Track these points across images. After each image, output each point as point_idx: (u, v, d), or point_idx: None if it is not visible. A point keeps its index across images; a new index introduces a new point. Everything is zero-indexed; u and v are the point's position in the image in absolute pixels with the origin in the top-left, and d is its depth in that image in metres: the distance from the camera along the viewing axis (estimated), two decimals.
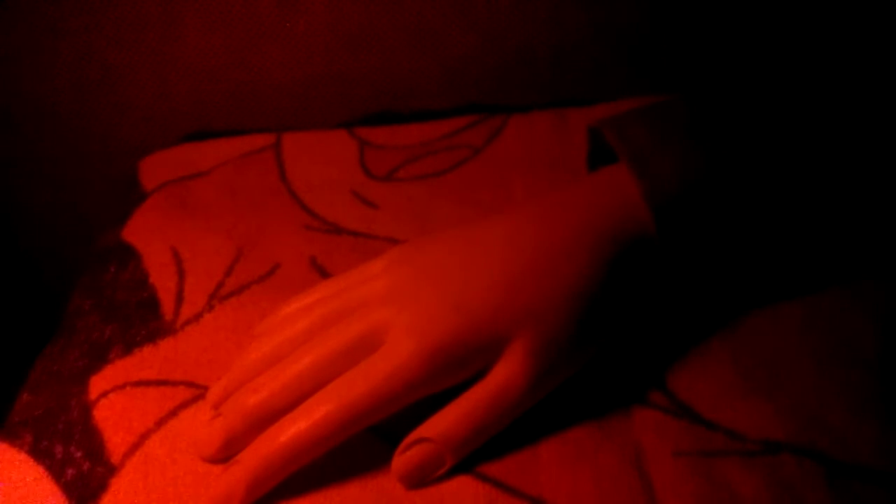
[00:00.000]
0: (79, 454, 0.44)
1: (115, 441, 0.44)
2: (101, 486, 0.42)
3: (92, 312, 0.53)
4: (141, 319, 0.52)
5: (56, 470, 0.43)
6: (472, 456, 0.41)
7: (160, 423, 0.45)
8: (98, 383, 0.48)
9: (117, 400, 0.47)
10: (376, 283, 0.45)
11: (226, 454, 0.41)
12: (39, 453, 0.44)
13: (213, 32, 0.78)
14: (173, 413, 0.45)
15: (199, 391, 0.46)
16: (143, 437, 0.44)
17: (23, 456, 0.44)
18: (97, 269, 0.57)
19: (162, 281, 0.55)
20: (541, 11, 0.78)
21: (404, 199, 0.60)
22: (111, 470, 0.43)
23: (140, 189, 0.64)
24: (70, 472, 0.43)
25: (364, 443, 0.43)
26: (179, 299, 0.53)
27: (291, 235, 0.58)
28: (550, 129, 0.65)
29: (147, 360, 0.49)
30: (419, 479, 0.40)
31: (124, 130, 0.84)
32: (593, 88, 0.78)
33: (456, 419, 0.40)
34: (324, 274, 0.54)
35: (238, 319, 0.51)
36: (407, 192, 0.61)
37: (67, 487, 0.42)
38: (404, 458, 0.40)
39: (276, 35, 0.78)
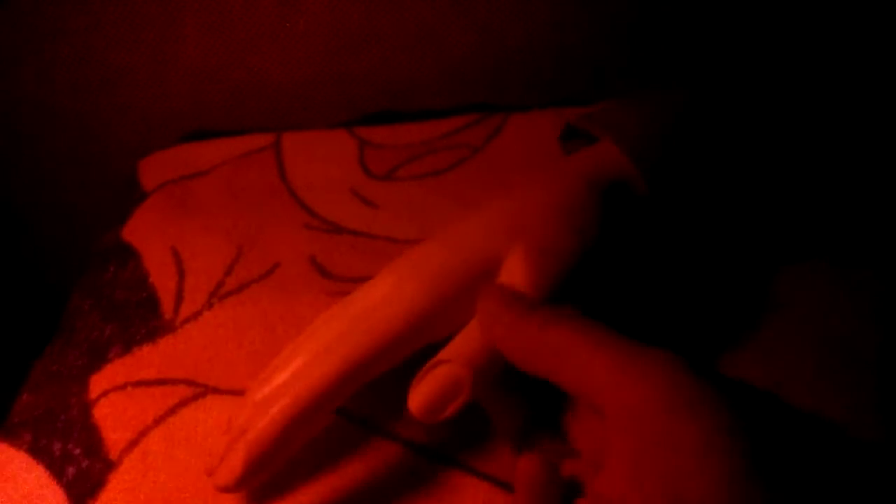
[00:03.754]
0: (77, 451, 0.44)
1: (114, 438, 0.44)
2: (100, 483, 0.42)
3: (91, 312, 0.53)
4: (140, 318, 0.52)
5: (55, 468, 0.43)
6: (470, 454, 0.41)
7: (159, 420, 0.45)
8: (98, 382, 0.48)
9: (117, 399, 0.47)
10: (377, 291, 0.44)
11: None
12: (38, 451, 0.44)
13: (213, 32, 0.78)
14: (172, 411, 0.45)
15: (198, 389, 0.46)
16: (142, 434, 0.44)
17: (22, 455, 0.44)
18: (97, 268, 0.57)
19: (162, 280, 0.55)
20: (541, 11, 0.78)
21: (404, 198, 0.60)
22: (109, 466, 0.43)
23: (140, 189, 0.64)
24: (69, 469, 0.43)
25: (363, 441, 0.43)
26: (179, 298, 0.53)
27: (291, 234, 0.58)
28: (550, 128, 0.65)
29: (146, 359, 0.49)
30: (437, 409, 0.37)
31: (124, 131, 0.84)
32: (593, 88, 0.78)
33: (470, 338, 0.39)
34: (324, 273, 0.54)
35: (238, 318, 0.51)
36: (407, 191, 0.61)
37: (66, 485, 0.42)
38: (421, 386, 0.38)
39: (276, 35, 0.78)
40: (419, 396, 0.37)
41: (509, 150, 0.64)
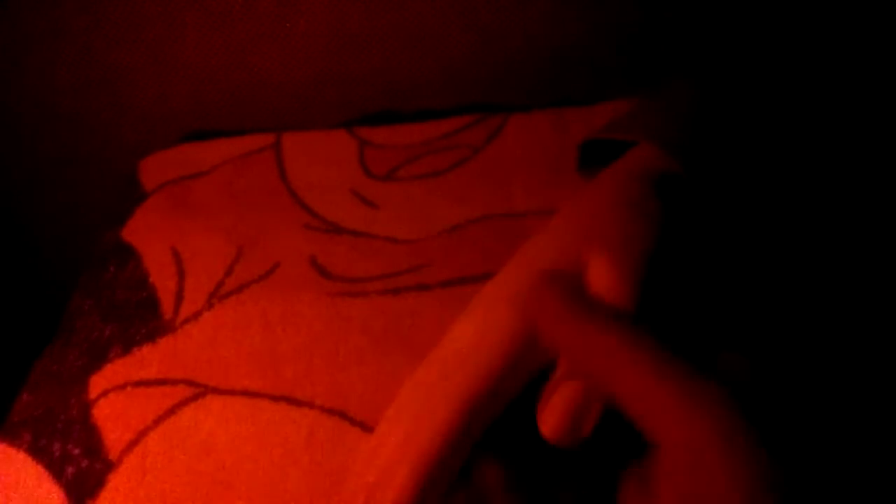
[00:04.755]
0: (77, 451, 0.44)
1: (114, 438, 0.44)
2: (100, 483, 0.42)
3: (92, 312, 0.53)
4: (140, 319, 0.52)
5: (55, 468, 0.43)
6: None
7: (159, 420, 0.45)
8: (98, 382, 0.48)
9: (117, 399, 0.47)
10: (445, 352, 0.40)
11: None
12: (38, 452, 0.44)
13: (213, 32, 0.78)
14: (172, 411, 0.45)
15: (198, 389, 0.46)
16: (142, 434, 0.44)
17: (22, 455, 0.44)
18: (97, 268, 0.57)
19: (162, 280, 0.55)
20: (541, 12, 0.78)
21: (404, 198, 0.60)
22: (109, 466, 0.43)
23: (140, 189, 0.64)
24: (69, 469, 0.43)
25: (363, 441, 0.43)
26: (179, 298, 0.53)
27: (291, 235, 0.58)
28: (550, 128, 0.65)
29: (146, 359, 0.49)
30: (573, 430, 0.35)
31: (124, 130, 0.84)
32: (593, 88, 0.78)
33: None
34: (324, 273, 0.54)
35: (238, 317, 0.51)
36: (407, 191, 0.61)
37: (66, 485, 0.42)
38: (549, 410, 0.35)
39: (276, 35, 0.78)
40: (552, 420, 0.35)
41: (509, 151, 0.64)
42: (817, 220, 0.46)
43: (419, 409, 0.37)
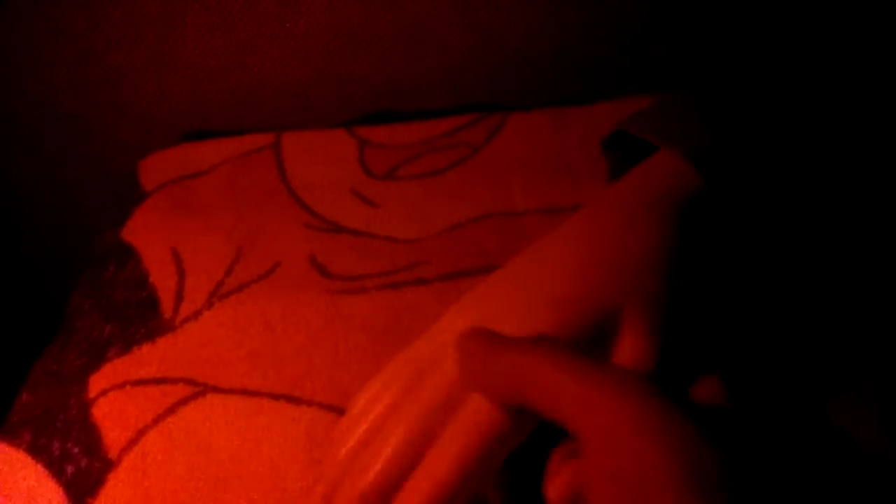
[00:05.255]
0: (76, 450, 0.44)
1: (113, 437, 0.44)
2: (99, 482, 0.42)
3: (91, 312, 0.53)
4: (140, 318, 0.52)
5: (54, 467, 0.43)
6: None
7: (158, 419, 0.45)
8: (97, 381, 0.48)
9: (116, 398, 0.46)
10: (444, 337, 0.38)
11: None
12: (37, 451, 0.44)
13: (213, 33, 0.78)
14: (171, 410, 0.45)
15: (198, 388, 0.46)
16: (141, 433, 0.44)
17: (21, 454, 0.44)
18: (97, 268, 0.57)
19: (162, 280, 0.55)
20: (540, 12, 0.78)
21: (404, 197, 0.60)
22: (108, 465, 0.43)
23: (140, 189, 0.64)
24: (68, 468, 0.43)
25: None
26: (179, 298, 0.53)
27: (291, 234, 0.58)
28: (550, 127, 0.65)
29: (146, 358, 0.49)
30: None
31: (124, 130, 0.84)
32: (593, 88, 0.78)
33: None
34: (324, 272, 0.54)
35: (238, 316, 0.51)
36: (406, 190, 0.61)
37: (65, 483, 0.42)
38: (556, 485, 0.34)
39: (276, 35, 0.78)
40: (556, 496, 0.34)
41: (509, 149, 0.64)
42: (844, 236, 0.46)
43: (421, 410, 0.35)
